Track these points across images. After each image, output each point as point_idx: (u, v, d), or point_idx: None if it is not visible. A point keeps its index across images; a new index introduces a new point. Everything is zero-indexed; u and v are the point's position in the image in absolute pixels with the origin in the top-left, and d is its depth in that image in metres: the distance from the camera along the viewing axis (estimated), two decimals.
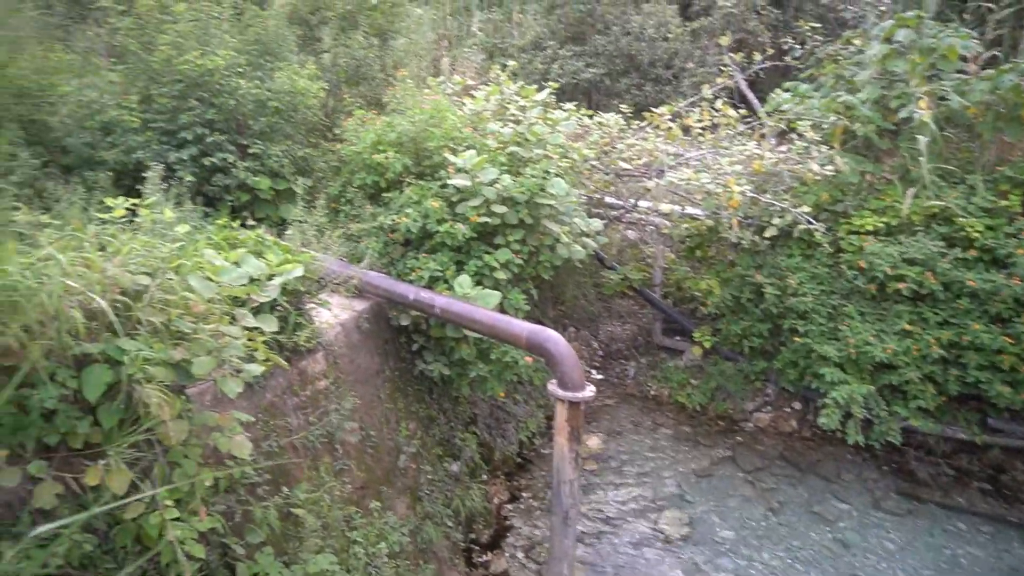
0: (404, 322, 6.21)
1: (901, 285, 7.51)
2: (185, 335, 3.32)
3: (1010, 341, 7.05)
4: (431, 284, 6.00)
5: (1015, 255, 7.23)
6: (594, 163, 8.68)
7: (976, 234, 7.44)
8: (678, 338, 9.70)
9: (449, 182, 6.33)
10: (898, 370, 7.42)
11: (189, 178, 6.11)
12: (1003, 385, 7.11)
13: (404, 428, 6.06)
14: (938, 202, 7.64)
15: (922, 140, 7.63)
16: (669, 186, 8.27)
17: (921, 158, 7.65)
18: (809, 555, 6.61)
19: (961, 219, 7.50)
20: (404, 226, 6.24)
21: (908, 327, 7.49)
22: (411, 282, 5.98)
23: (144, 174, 5.16)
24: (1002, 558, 6.47)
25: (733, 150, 8.38)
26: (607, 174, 8.86)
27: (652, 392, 9.28)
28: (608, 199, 9.04)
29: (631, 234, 11.05)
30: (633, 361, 9.97)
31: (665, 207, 8.38)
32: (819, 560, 6.54)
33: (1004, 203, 7.52)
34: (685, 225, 8.86)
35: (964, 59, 7.98)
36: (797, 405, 8.49)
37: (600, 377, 9.69)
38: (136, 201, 3.94)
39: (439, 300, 5.53)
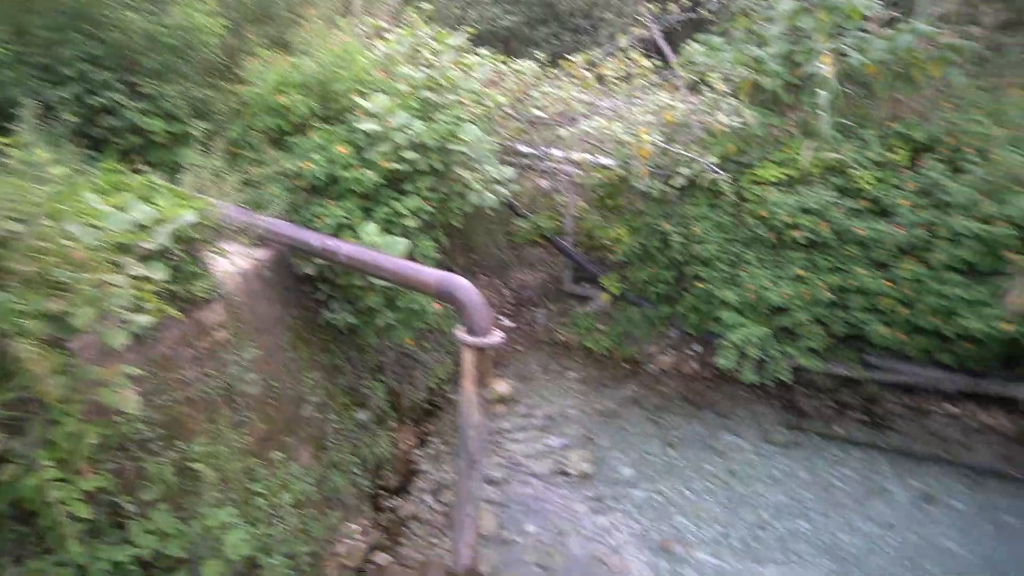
0: (309, 271, 6.10)
1: (797, 233, 7.92)
2: (64, 285, 3.17)
3: (890, 285, 7.59)
4: (337, 232, 5.89)
5: (899, 205, 7.72)
6: (508, 110, 8.63)
7: (867, 185, 7.90)
8: (587, 285, 9.94)
9: (357, 127, 6.16)
10: (791, 313, 7.88)
11: (71, 118, 5.70)
12: (882, 325, 7.68)
13: (308, 378, 6.02)
14: (834, 155, 8.02)
15: (823, 95, 7.94)
16: (582, 135, 8.33)
17: (821, 112, 7.98)
18: (703, 486, 7.07)
19: (854, 171, 7.91)
20: (309, 172, 6.06)
21: (802, 273, 7.94)
22: (316, 230, 5.85)
23: (15, 112, 4.79)
24: (870, 478, 7.12)
25: (646, 100, 8.49)
26: (521, 122, 8.83)
27: (561, 338, 9.52)
28: (521, 147, 9.03)
29: (543, 183, 11.11)
30: (543, 308, 10.17)
31: (577, 156, 8.45)
32: (712, 490, 7.00)
33: (893, 156, 7.97)
34: (597, 174, 8.98)
35: (867, 18, 8.28)
36: (699, 348, 8.92)
37: (511, 324, 9.86)
38: (3, 140, 3.67)
39: (345, 248, 5.45)
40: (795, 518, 6.66)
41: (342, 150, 6.09)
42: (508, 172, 7.22)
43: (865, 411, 8.18)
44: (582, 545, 6.34)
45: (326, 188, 6.21)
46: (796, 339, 7.97)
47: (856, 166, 7.95)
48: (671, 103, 8.39)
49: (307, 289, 6.25)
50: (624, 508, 6.79)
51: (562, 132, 8.43)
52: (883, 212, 7.90)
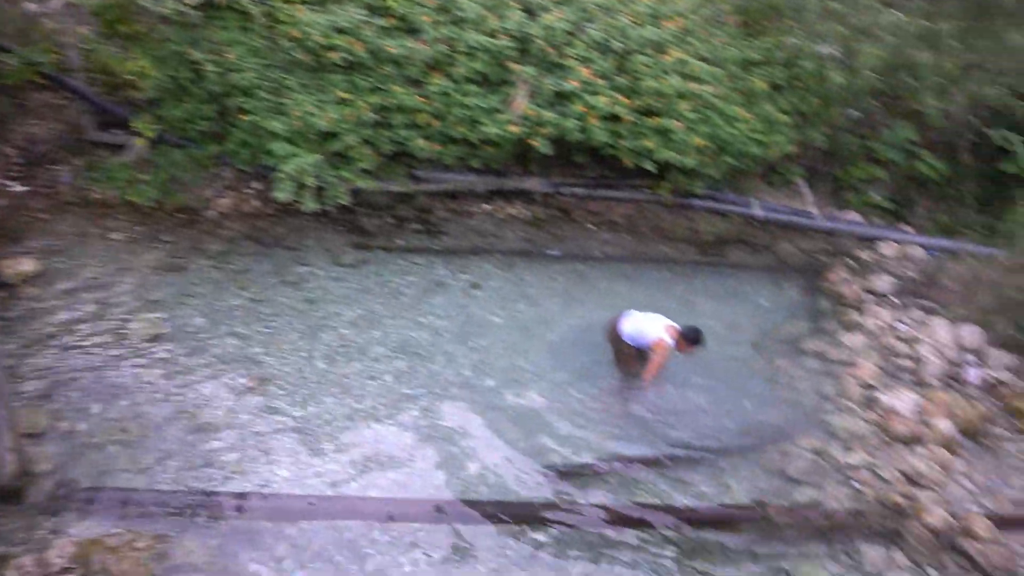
0: None
1: (334, 55, 7.83)
2: None
3: (423, 101, 8.14)
4: None
5: (423, 22, 8.12)
6: None
7: (393, 3, 8.08)
8: (116, 131, 8.51)
9: None
10: (340, 137, 7.96)
11: None
12: (422, 140, 8.29)
13: None
14: None
15: None
16: None
17: None
18: (282, 321, 7.11)
19: None
20: None
21: (344, 95, 7.97)
22: None
23: None
24: (429, 279, 8.02)
25: None
26: None
27: (96, 196, 8.15)
28: None
29: (32, 6, 8.85)
30: (66, 164, 8.47)
31: None
32: (291, 322, 7.10)
33: None
34: None
35: None
36: (257, 185, 8.54)
37: (24, 189, 8.04)
38: None
39: None
40: (371, 328, 7.20)
41: None
42: None
43: (420, 221, 8.97)
44: (162, 408, 5.94)
45: None
46: (349, 162, 8.15)
47: None
48: None
49: None
50: (203, 360, 6.49)
51: None
52: (410, 30, 8.24)
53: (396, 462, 5.81)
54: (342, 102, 7.96)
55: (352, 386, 6.50)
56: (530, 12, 8.45)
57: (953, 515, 5.82)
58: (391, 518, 5.32)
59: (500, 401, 6.59)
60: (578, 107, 8.10)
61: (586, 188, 9.20)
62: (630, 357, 6.87)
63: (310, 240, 8.28)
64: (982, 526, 5.72)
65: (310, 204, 7.84)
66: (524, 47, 8.28)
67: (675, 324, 6.67)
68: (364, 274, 7.95)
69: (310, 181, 7.73)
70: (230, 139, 8.05)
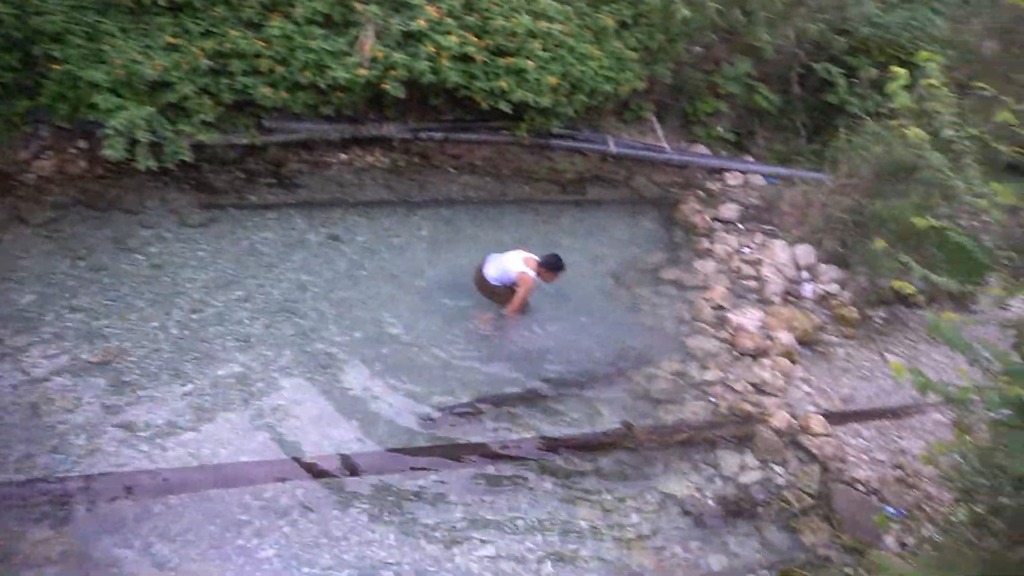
0: None
1: None
2: None
3: (264, 45, 7.61)
4: None
5: None
6: None
7: None
8: None
9: None
10: (174, 87, 7.31)
11: None
12: (266, 87, 7.79)
13: None
14: None
15: None
16: None
17: None
18: (128, 289, 6.58)
19: None
20: None
21: (173, 40, 7.30)
22: None
23: None
24: (288, 234, 7.68)
25: None
26: None
27: None
28: None
29: None
30: None
31: None
32: (138, 290, 6.59)
33: None
34: None
35: None
36: (83, 143, 7.72)
37: None
38: None
39: None
40: (228, 290, 6.82)
41: None
42: None
43: (273, 175, 8.50)
44: None
45: None
46: (188, 114, 7.52)
47: None
48: None
49: None
50: (39, 338, 5.91)
51: None
52: None
53: (266, 425, 5.63)
54: (171, 48, 7.29)
55: (214, 351, 6.17)
56: None
57: (794, 416, 6.48)
58: (265, 480, 5.18)
59: (372, 352, 6.52)
60: (428, 47, 7.87)
61: (444, 132, 9.06)
62: (504, 298, 6.97)
63: (152, 201, 7.64)
64: (817, 423, 6.41)
65: (146, 162, 7.20)
66: None
67: (534, 256, 6.83)
68: (216, 234, 7.48)
69: (144, 136, 7.07)
70: (43, 93, 7.16)
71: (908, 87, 4.27)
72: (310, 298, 6.94)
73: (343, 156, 8.94)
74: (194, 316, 6.47)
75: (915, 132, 4.23)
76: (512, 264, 6.78)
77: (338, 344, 6.52)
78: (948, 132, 4.20)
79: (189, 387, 5.81)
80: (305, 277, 7.18)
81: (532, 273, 6.72)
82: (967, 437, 4.13)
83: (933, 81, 4.17)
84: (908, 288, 4.55)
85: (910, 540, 5.58)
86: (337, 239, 7.78)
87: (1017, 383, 3.44)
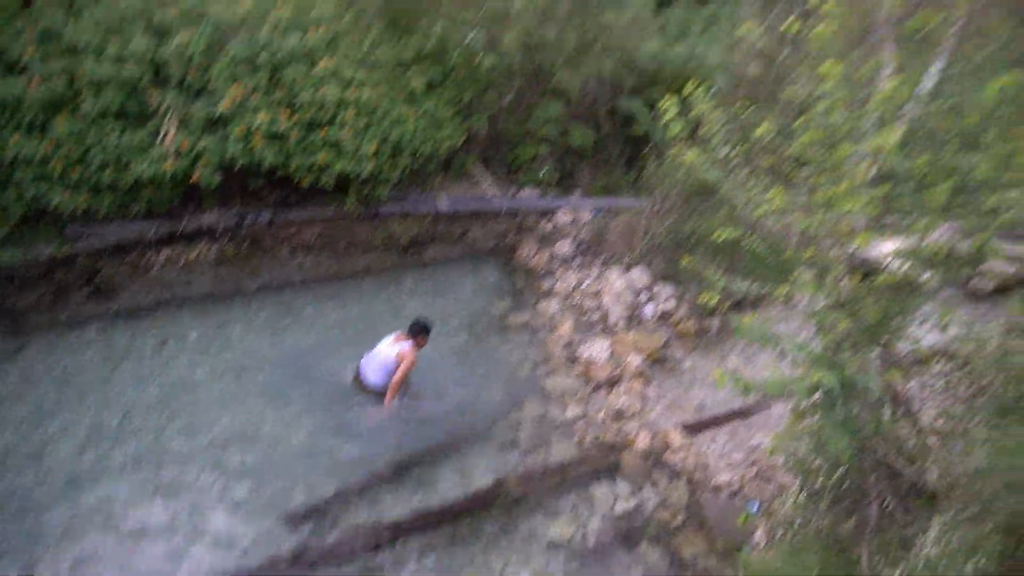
0: None
1: None
2: None
3: (52, 146, 7.03)
4: None
5: (26, 57, 6.99)
6: None
7: None
8: None
9: None
10: None
11: None
12: (63, 192, 7.18)
13: None
14: None
15: None
16: None
17: None
18: None
19: None
20: None
21: None
22: None
23: None
24: (111, 348, 7.06)
25: None
26: None
27: None
28: None
29: None
30: None
31: None
32: None
33: None
34: None
35: None
36: None
37: None
38: None
39: None
40: (46, 423, 6.10)
41: None
42: None
43: (88, 284, 7.83)
44: None
45: None
46: None
47: None
48: None
49: None
50: None
51: None
52: (15, 66, 7.05)
53: (110, 560, 5.05)
54: None
55: (30, 499, 5.46)
56: (158, 34, 7.68)
57: (654, 435, 6.76)
58: None
59: (222, 460, 6.05)
60: (238, 129, 7.63)
61: (271, 214, 8.78)
62: (396, 387, 6.75)
63: None
64: (675, 437, 6.74)
65: None
66: (161, 73, 7.56)
67: (398, 332, 6.75)
68: (27, 363, 6.72)
69: None
70: None
71: (685, 113, 4.65)
72: (142, 415, 6.34)
73: (165, 253, 8.39)
74: (7, 460, 5.72)
75: (691, 155, 4.64)
76: (387, 351, 6.64)
77: (179, 462, 5.96)
78: (724, 150, 4.64)
79: (12, 542, 5.11)
80: (136, 394, 6.57)
81: (406, 347, 6.62)
82: (798, 425, 4.46)
83: (703, 106, 4.60)
84: (713, 299, 4.90)
85: (776, 531, 5.94)
86: (166, 343, 7.24)
87: (817, 369, 3.79)
